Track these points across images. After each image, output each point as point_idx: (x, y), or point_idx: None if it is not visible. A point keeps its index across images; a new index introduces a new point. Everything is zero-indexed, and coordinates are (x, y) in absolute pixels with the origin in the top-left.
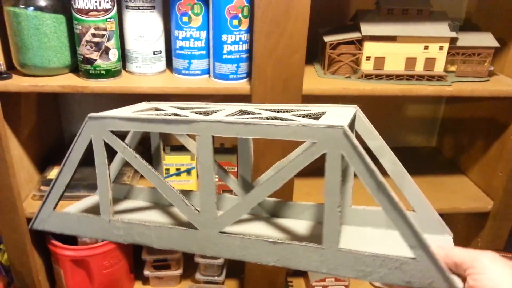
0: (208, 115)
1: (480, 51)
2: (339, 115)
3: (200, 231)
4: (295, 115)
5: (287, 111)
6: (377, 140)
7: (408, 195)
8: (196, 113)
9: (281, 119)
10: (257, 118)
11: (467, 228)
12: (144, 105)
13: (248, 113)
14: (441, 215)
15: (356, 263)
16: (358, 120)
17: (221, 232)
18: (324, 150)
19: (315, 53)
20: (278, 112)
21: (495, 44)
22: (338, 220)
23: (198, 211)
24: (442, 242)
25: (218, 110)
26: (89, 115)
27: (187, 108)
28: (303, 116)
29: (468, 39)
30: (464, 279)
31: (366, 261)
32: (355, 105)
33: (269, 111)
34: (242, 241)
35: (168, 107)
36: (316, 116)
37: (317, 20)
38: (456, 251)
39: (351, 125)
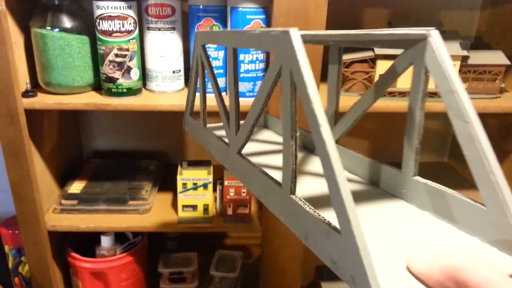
0: None
1: (491, 68)
2: None
3: (229, 148)
4: None
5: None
6: (449, 83)
7: (479, 179)
8: None
9: None
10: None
11: None
12: None
13: None
14: None
15: (301, 217)
16: (429, 50)
17: (238, 154)
18: (280, 63)
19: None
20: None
21: (506, 62)
22: (291, 157)
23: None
24: None
25: None
26: (196, 31)
27: None
28: None
29: (479, 57)
30: None
31: (306, 216)
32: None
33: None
34: (246, 166)
35: None
36: None
37: None
38: (467, 268)
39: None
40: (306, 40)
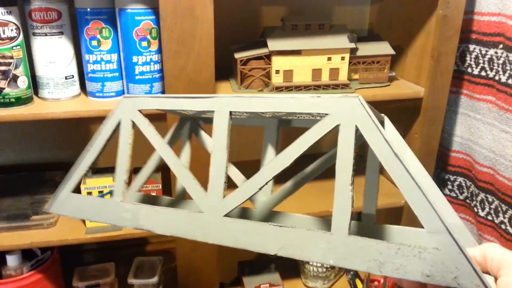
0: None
1: (379, 59)
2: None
3: (205, 213)
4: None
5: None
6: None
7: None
8: None
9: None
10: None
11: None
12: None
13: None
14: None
15: (367, 252)
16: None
17: (225, 216)
18: (337, 122)
19: (231, 70)
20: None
21: (391, 51)
22: (349, 201)
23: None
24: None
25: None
26: (123, 96)
27: None
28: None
29: (367, 49)
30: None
31: (379, 249)
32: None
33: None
34: (246, 225)
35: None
36: None
37: (232, 38)
38: (492, 247)
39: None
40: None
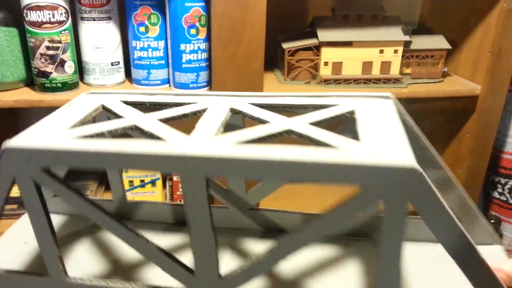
0: (183, 118)
1: (433, 53)
2: (381, 124)
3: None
4: (316, 122)
5: (298, 108)
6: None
7: (450, 198)
8: (166, 120)
9: (302, 135)
10: (267, 135)
11: None
12: (83, 103)
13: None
14: None
15: None
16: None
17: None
18: (380, 198)
19: (276, 60)
20: (287, 107)
21: (447, 46)
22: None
23: (192, 271)
24: (492, 253)
25: (198, 112)
26: (5, 146)
27: (149, 106)
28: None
29: (421, 42)
30: None
31: None
32: (390, 93)
33: (273, 107)
34: None
35: (120, 106)
36: (346, 122)
37: (277, 28)
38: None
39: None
40: None
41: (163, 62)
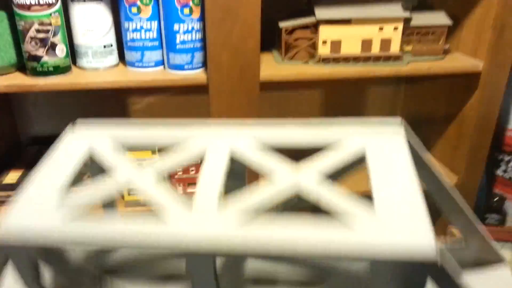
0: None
1: (434, 29)
2: (395, 177)
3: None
4: (325, 174)
5: (303, 150)
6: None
7: (453, 216)
8: (162, 173)
9: (311, 198)
10: (274, 200)
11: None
12: (69, 148)
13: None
14: None
15: None
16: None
17: None
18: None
19: (273, 40)
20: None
21: (448, 22)
22: None
23: None
24: (498, 276)
25: (195, 158)
26: None
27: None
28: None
29: (422, 19)
30: None
31: None
32: (400, 118)
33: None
34: None
35: (109, 153)
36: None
37: (274, 6)
38: None
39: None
40: None
41: (156, 43)
